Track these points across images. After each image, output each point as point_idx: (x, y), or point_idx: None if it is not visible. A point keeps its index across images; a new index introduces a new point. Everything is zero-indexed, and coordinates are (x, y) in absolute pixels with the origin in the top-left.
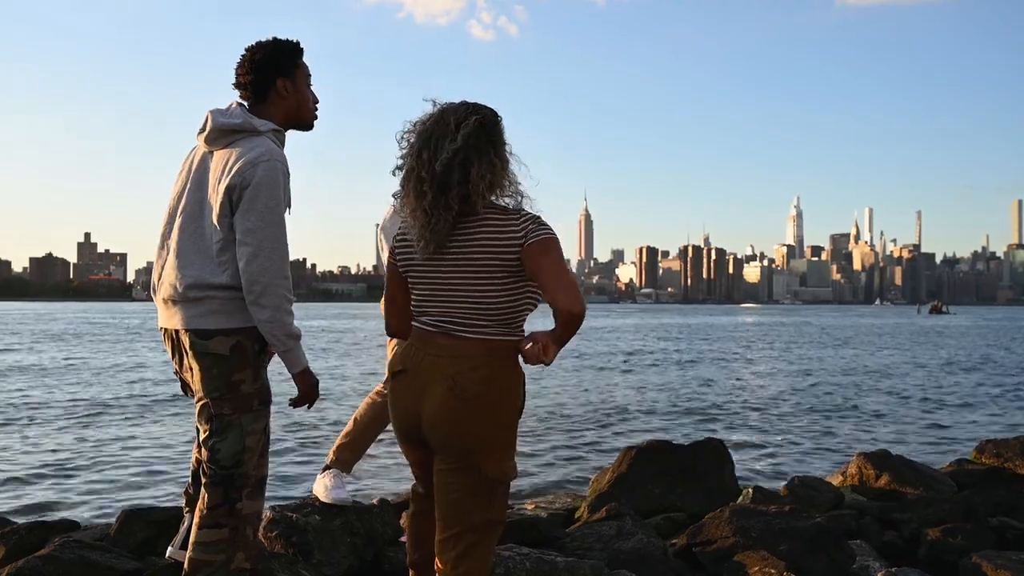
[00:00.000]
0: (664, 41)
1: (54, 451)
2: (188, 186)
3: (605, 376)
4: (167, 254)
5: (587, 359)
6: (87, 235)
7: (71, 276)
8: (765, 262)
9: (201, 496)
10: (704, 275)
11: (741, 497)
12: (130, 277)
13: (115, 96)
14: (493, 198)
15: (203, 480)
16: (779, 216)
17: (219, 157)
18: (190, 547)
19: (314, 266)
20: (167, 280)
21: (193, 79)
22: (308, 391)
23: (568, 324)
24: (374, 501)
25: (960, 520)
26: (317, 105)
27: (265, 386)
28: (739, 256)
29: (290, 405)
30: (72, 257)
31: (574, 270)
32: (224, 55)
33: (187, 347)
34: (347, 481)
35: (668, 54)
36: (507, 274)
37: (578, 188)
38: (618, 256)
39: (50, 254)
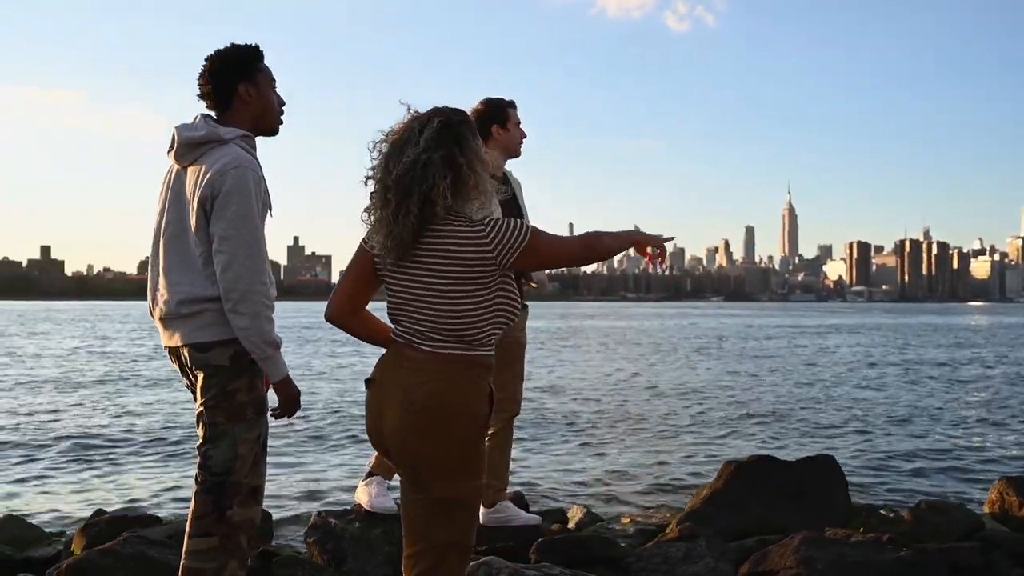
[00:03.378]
0: (874, 23)
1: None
2: (167, 204)
3: (776, 380)
4: (156, 274)
5: (761, 360)
6: (296, 239)
7: (282, 277)
8: (996, 256)
9: (192, 504)
10: (924, 271)
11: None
12: (334, 278)
13: (325, 102)
14: (460, 203)
15: (195, 487)
16: (1012, 206)
17: (191, 172)
18: (183, 555)
19: None
20: (160, 299)
21: (402, 84)
22: (288, 401)
23: (591, 247)
24: None
25: None
26: (283, 108)
27: (261, 396)
28: (965, 250)
29: (271, 416)
30: (283, 260)
31: (777, 267)
32: (416, 57)
33: (188, 362)
34: (390, 489)
35: (878, 36)
36: (467, 287)
37: (781, 182)
38: (826, 252)
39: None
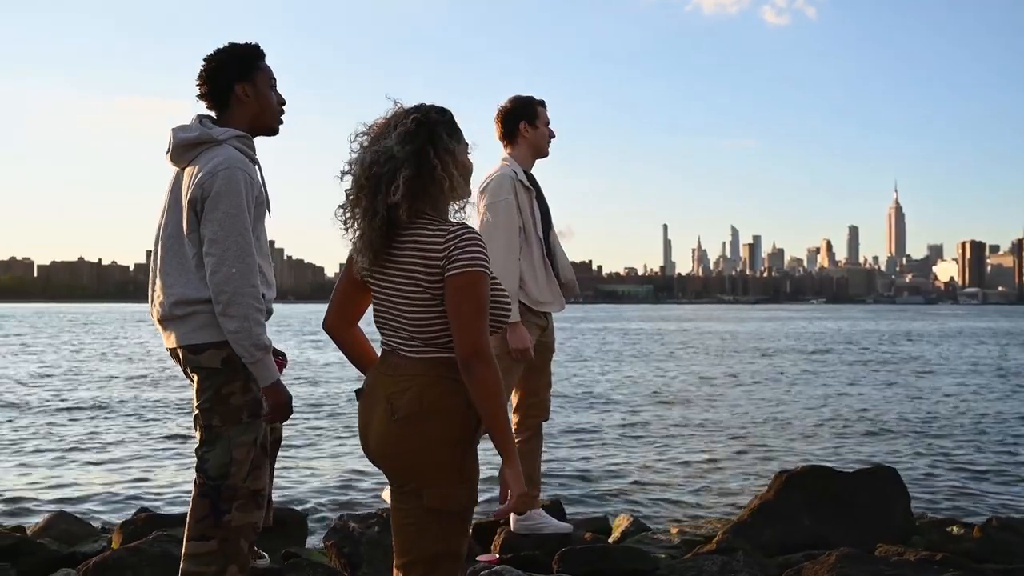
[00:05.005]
0: (986, 11)
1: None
2: (167, 206)
3: (872, 387)
4: (154, 276)
5: (861, 367)
6: None
7: None
8: None
9: (190, 507)
10: None
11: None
12: None
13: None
14: (430, 204)
15: (193, 491)
16: None
17: (187, 174)
18: (183, 558)
19: (600, 268)
20: (157, 300)
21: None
22: (277, 406)
23: (470, 385)
24: None
25: None
26: (283, 107)
27: (256, 399)
28: None
29: (264, 421)
30: None
31: (883, 268)
32: (508, 55)
33: (183, 363)
34: None
35: (991, 25)
36: (431, 295)
37: (887, 179)
38: (935, 252)
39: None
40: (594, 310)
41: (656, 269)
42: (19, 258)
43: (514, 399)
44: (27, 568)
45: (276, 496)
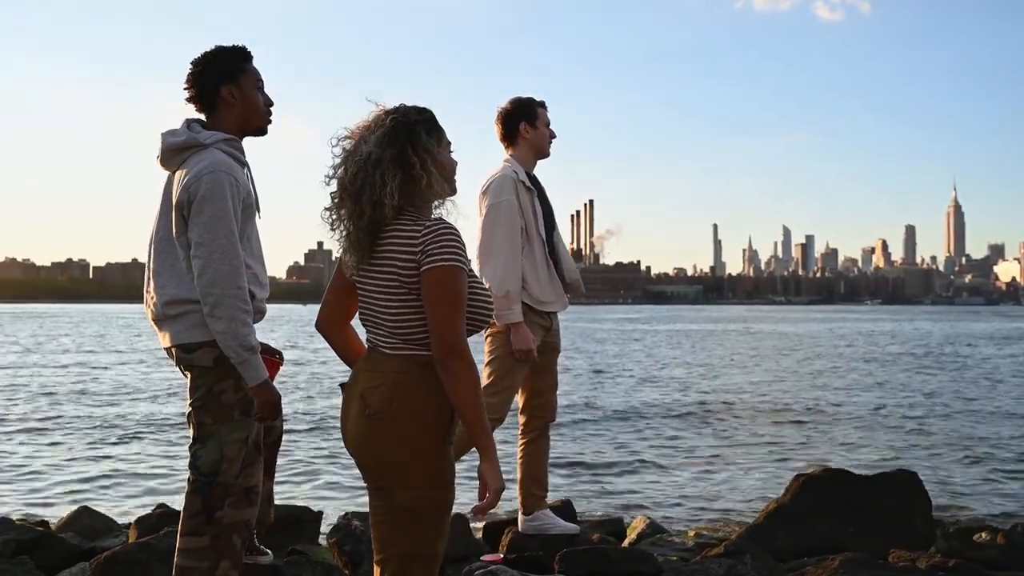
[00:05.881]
0: None
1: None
2: (160, 209)
3: (928, 389)
4: (148, 277)
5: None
6: None
7: None
8: None
9: (184, 503)
10: None
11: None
12: None
13: (468, 103)
14: (408, 202)
15: (187, 488)
16: None
17: (176, 178)
18: (176, 553)
19: (648, 268)
20: (150, 301)
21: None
22: (266, 405)
23: (446, 382)
24: None
25: None
26: (271, 108)
27: (247, 397)
28: None
29: (254, 420)
30: None
31: (941, 268)
32: (557, 55)
33: (176, 362)
34: None
35: None
36: (408, 290)
37: (945, 177)
38: (997, 252)
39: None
40: (645, 310)
41: (706, 269)
42: (75, 259)
43: (519, 400)
44: (46, 562)
45: (298, 493)
